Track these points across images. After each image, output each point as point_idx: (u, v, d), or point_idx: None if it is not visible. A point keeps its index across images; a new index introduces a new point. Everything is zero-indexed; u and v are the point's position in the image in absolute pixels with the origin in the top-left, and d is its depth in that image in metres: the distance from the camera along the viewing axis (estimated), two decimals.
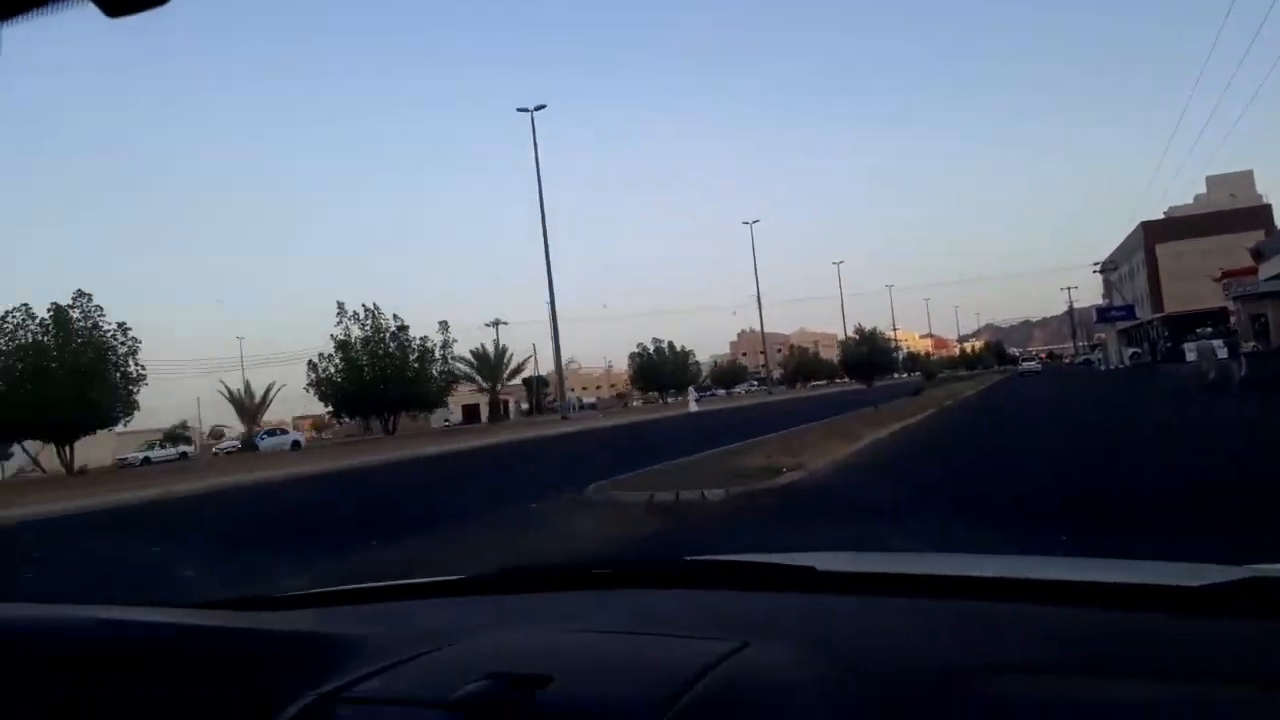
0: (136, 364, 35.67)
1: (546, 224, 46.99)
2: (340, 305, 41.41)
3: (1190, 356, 40.21)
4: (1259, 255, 50.47)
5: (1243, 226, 76.74)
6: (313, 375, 40.96)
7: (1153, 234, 79.44)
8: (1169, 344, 45.22)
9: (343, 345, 40.89)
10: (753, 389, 77.22)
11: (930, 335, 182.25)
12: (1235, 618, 0.95)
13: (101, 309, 35.37)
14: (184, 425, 60.18)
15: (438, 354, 42.86)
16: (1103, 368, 58.07)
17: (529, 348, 70.86)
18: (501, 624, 1.22)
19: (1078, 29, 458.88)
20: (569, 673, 0.91)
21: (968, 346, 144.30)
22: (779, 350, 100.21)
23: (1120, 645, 0.94)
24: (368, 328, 41.06)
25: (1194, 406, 19.91)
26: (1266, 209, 78.16)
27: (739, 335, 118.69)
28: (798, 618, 1.14)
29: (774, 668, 0.91)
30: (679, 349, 65.28)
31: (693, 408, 42.81)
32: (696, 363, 69.16)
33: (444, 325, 43.46)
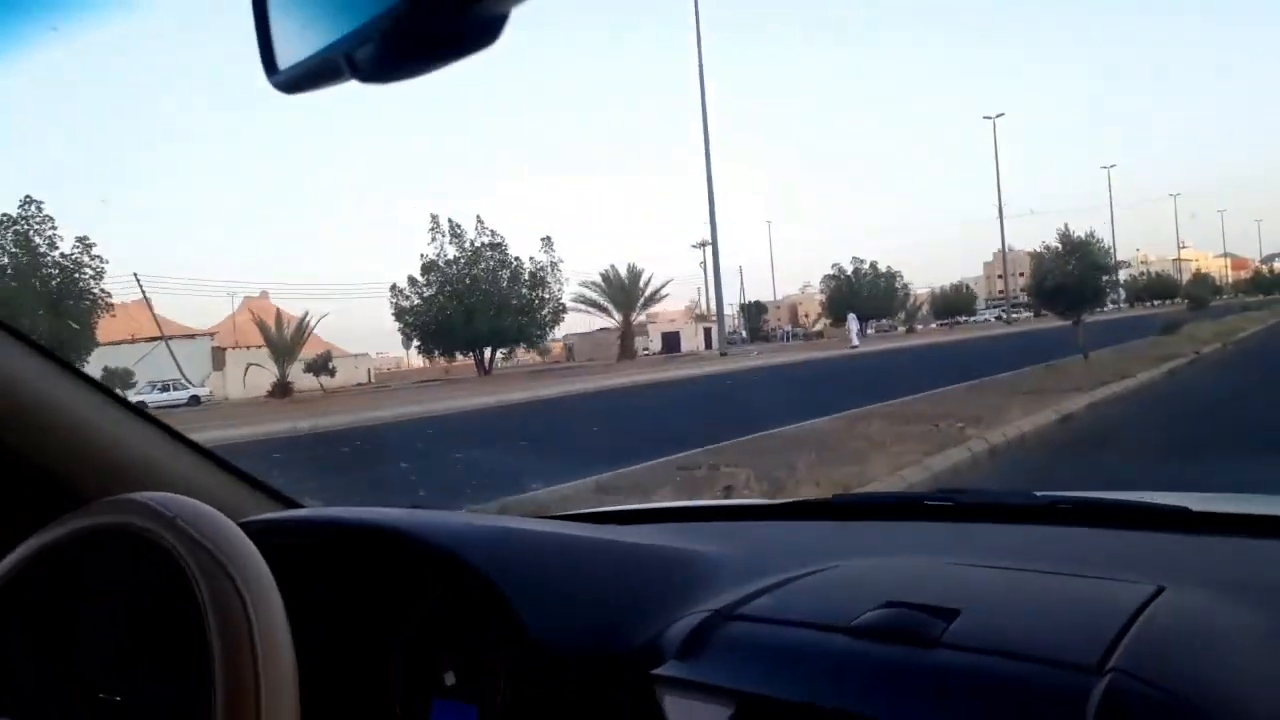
0: (102, 291, 29.83)
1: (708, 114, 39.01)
2: (434, 219, 34.87)
3: None
4: None
5: None
6: (395, 304, 34.75)
7: None
8: None
9: (429, 267, 34.82)
10: (995, 320, 65.83)
11: (1227, 255, 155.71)
12: None
13: (54, 220, 28.90)
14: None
15: (549, 277, 35.95)
16: None
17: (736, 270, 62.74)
18: (859, 551, 1.16)
19: None
20: (978, 606, 0.86)
21: (1267, 268, 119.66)
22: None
23: None
24: (466, 246, 34.69)
25: None
26: None
27: (994, 256, 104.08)
28: (1198, 560, 1.06)
29: (1204, 614, 0.85)
30: (885, 270, 55.61)
31: (854, 343, 34.19)
32: (906, 286, 58.77)
33: (547, 241, 36.18)
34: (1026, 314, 66.16)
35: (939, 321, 75.05)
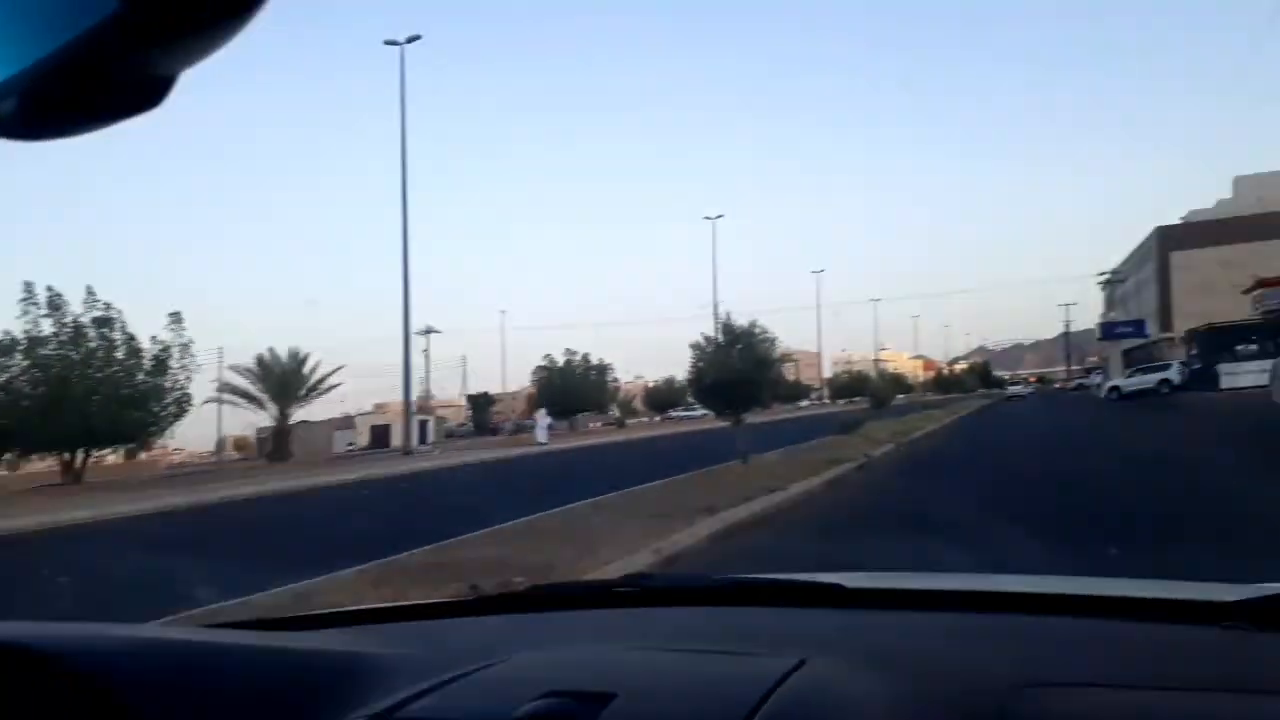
0: None
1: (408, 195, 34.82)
2: (28, 287, 27.24)
3: (1237, 380, 28.73)
4: None
5: (1275, 233, 65.98)
6: None
7: (1168, 241, 68.26)
8: (1197, 365, 33.44)
9: (6, 347, 26.95)
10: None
11: (920, 356, 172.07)
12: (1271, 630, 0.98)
13: None
14: None
15: (176, 360, 29.10)
16: (1105, 395, 45.03)
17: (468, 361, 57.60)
18: (541, 642, 1.19)
19: (1083, 28, 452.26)
20: (632, 689, 0.89)
21: (950, 369, 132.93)
22: None
23: (1164, 658, 0.97)
24: (67, 321, 27.21)
25: None
26: None
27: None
28: (844, 633, 1.13)
29: (838, 683, 0.91)
30: (596, 362, 53.50)
31: (541, 440, 30.87)
32: (616, 380, 57.07)
33: (175, 317, 29.13)
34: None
35: (660, 415, 74.56)
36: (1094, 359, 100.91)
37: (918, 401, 68.96)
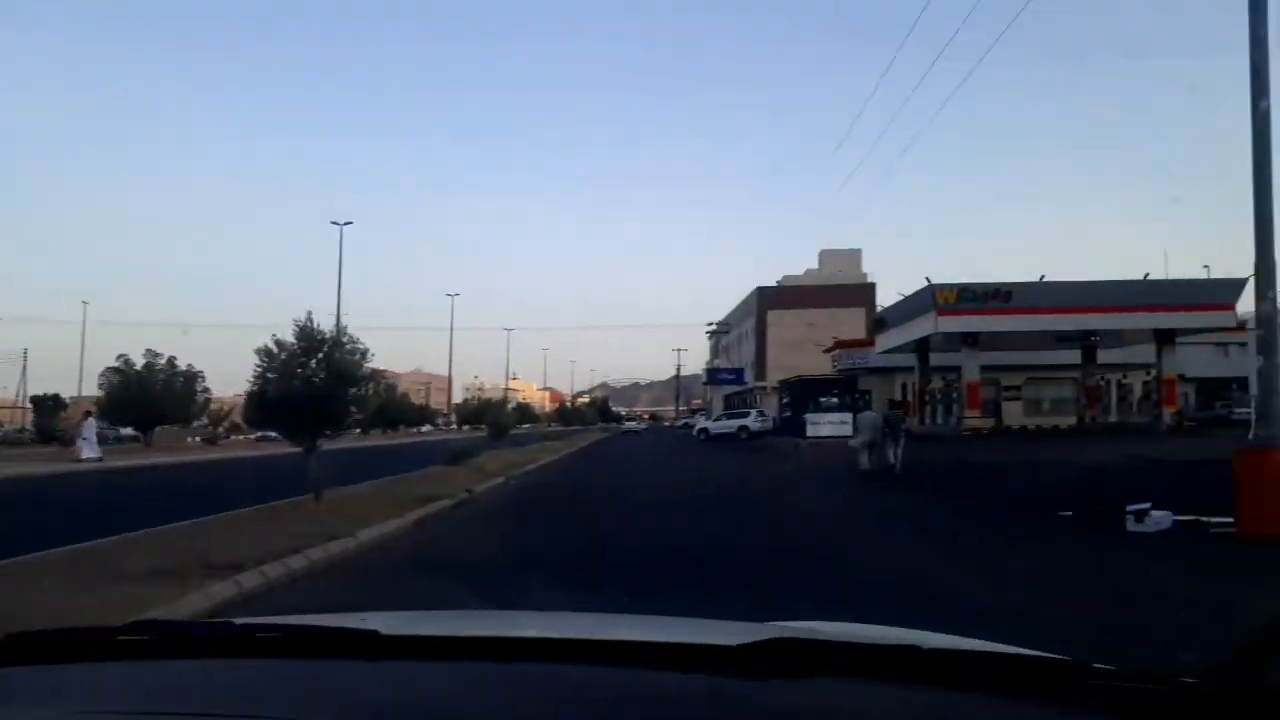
0: None
1: None
2: None
3: (820, 429, 31.56)
4: (881, 324, 45.17)
5: (849, 301, 75.98)
6: None
7: (766, 300, 75.82)
8: (788, 413, 36.46)
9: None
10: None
11: (548, 388, 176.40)
12: (763, 678, 1.02)
13: None
14: None
15: None
16: (696, 435, 49.02)
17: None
18: (7, 701, 1.06)
19: (702, 103, 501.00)
20: None
21: (574, 402, 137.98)
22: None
23: (659, 706, 1.00)
24: None
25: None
26: (871, 287, 78.04)
27: None
28: (350, 686, 1.09)
29: None
30: (183, 368, 46.41)
31: (85, 455, 25.27)
32: (208, 390, 49.96)
33: None
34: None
35: (259, 433, 67.31)
36: (698, 401, 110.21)
37: (540, 432, 69.28)
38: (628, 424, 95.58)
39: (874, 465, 19.10)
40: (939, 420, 41.00)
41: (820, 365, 63.14)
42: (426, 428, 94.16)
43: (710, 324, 73.35)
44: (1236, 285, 32.93)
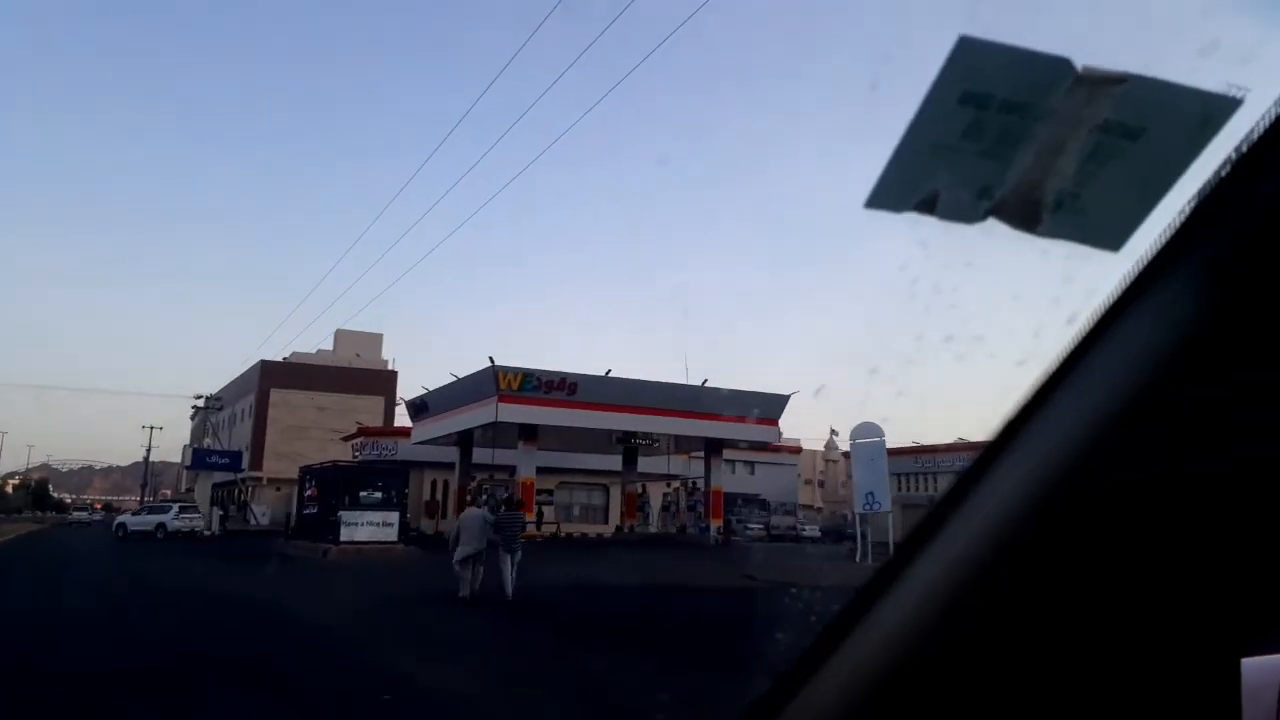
0: None
1: None
2: None
3: (353, 533, 24.22)
4: (420, 410, 39.75)
5: (368, 389, 69.15)
6: None
7: (271, 376, 65.86)
8: (311, 508, 28.91)
9: None
10: None
11: None
12: None
13: None
14: None
15: None
16: (113, 531, 40.44)
17: None
18: None
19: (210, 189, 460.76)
20: None
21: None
22: None
23: None
24: None
25: None
26: (393, 375, 72.08)
27: None
28: None
29: None
30: None
31: None
32: None
33: None
34: None
35: None
36: (166, 491, 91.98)
37: None
38: (76, 514, 79.82)
39: (476, 589, 13.48)
40: None
41: (331, 455, 55.65)
42: None
43: (199, 397, 61.06)
44: (780, 401, 33.86)
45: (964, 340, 0.70)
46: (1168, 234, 0.51)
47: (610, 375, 32.68)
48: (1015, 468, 0.57)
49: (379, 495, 25.89)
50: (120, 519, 42.41)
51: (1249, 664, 0.82)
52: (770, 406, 33.98)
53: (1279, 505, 0.51)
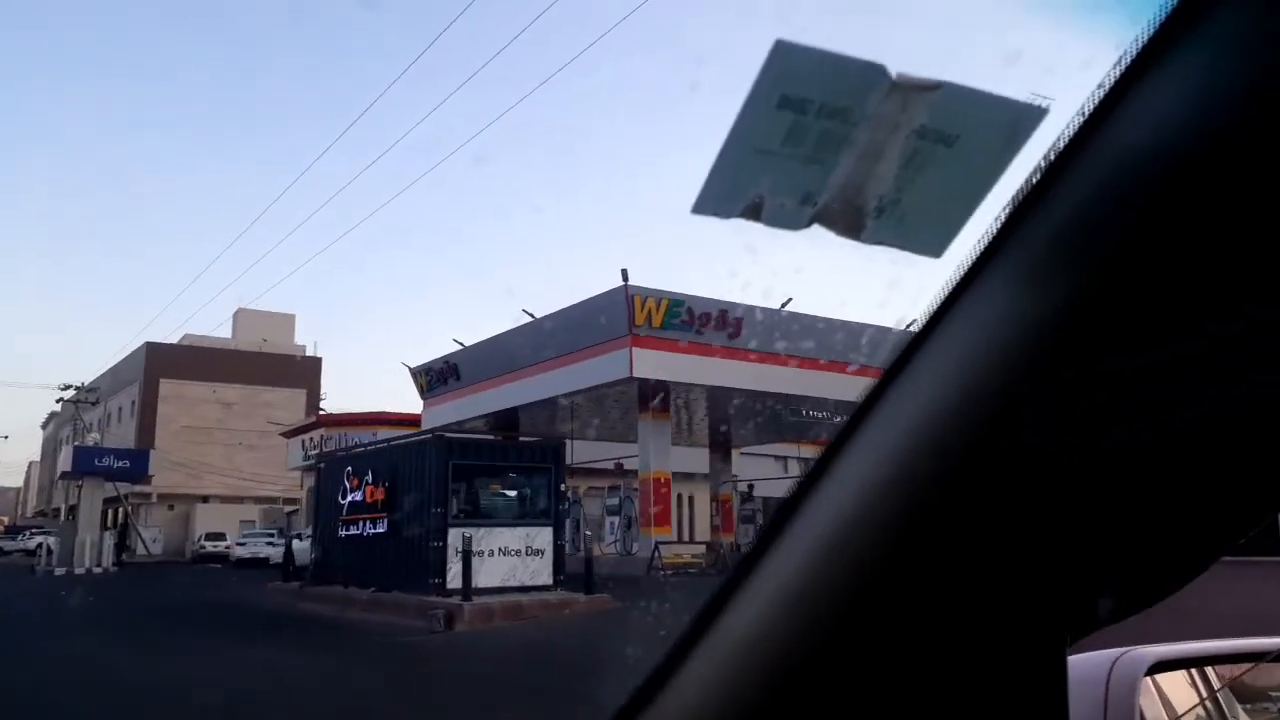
0: None
1: None
2: None
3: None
4: (444, 377, 27.74)
5: (285, 379, 55.25)
6: None
7: (160, 363, 51.39)
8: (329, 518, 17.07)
9: None
10: None
11: None
12: None
13: None
14: None
15: None
16: None
17: None
18: None
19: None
20: None
21: None
22: None
23: None
24: None
25: None
26: (316, 362, 58.31)
27: None
28: None
29: None
30: None
31: None
32: None
33: None
34: None
35: None
36: (2, 520, 73.59)
37: None
38: None
39: None
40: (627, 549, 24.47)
41: (238, 463, 43.92)
42: None
43: (66, 387, 45.98)
44: None
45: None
46: (986, 238, 0.53)
47: (788, 309, 21.90)
48: (851, 468, 0.58)
49: (518, 494, 14.32)
50: None
51: (1076, 659, 0.81)
52: None
53: (1101, 500, 0.51)
